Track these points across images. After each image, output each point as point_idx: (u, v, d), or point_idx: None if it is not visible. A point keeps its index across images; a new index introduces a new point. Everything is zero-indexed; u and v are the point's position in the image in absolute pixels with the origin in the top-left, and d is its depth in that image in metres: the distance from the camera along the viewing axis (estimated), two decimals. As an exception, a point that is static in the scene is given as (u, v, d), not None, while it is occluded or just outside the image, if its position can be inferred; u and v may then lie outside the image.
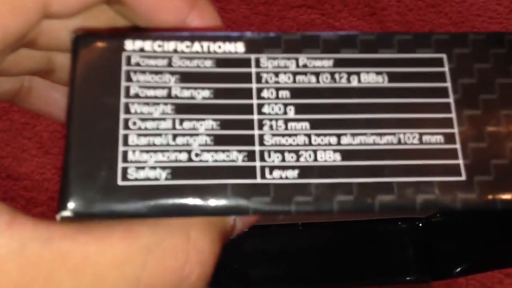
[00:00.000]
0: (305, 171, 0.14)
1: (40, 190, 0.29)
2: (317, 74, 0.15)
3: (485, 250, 0.30)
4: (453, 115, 0.15)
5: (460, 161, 0.15)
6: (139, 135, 0.14)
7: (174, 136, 0.14)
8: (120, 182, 0.14)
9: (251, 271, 0.32)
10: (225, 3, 0.44)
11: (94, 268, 0.12)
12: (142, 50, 0.15)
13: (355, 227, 0.32)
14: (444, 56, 0.16)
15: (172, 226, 0.14)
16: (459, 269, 0.31)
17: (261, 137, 0.15)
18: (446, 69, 0.16)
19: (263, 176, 0.14)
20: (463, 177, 0.15)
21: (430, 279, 0.32)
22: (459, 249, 0.31)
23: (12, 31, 0.13)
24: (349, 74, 0.15)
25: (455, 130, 0.15)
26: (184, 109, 0.15)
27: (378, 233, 0.33)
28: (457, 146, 0.15)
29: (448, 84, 0.15)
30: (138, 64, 0.15)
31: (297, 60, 0.15)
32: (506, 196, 0.15)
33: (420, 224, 0.32)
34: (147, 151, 0.14)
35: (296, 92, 0.15)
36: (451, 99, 0.15)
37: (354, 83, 0.15)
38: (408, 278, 0.32)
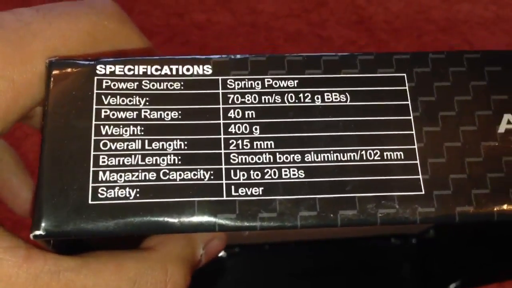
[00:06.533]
0: (269, 188, 0.15)
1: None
2: (282, 94, 0.16)
3: (479, 264, 0.30)
4: (413, 132, 0.16)
5: (420, 176, 0.15)
6: (109, 155, 0.15)
7: (144, 156, 0.15)
8: (91, 202, 0.14)
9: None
10: (211, 14, 0.44)
11: None
12: (113, 74, 0.16)
13: (348, 245, 0.32)
14: (404, 75, 0.16)
15: (153, 261, 0.16)
16: (454, 285, 0.30)
17: (227, 155, 0.15)
18: (406, 87, 0.16)
19: (229, 193, 0.15)
20: (422, 192, 0.15)
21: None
22: (453, 265, 0.31)
23: None
24: (313, 93, 0.16)
25: (415, 146, 0.16)
26: (153, 130, 0.15)
27: (372, 251, 0.32)
28: (417, 161, 0.16)
29: (408, 102, 0.16)
30: (109, 88, 0.15)
31: (262, 81, 0.16)
32: (464, 209, 0.15)
33: (414, 241, 0.32)
34: (117, 171, 0.15)
35: (261, 112, 0.16)
36: (411, 117, 0.16)
37: (318, 102, 0.16)
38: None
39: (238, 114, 0.16)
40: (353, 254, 0.32)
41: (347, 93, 0.16)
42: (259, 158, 0.15)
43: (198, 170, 0.15)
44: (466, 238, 0.30)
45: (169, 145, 0.15)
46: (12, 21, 0.16)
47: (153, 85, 0.16)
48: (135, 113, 0.15)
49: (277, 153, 0.15)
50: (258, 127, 0.16)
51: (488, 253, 0.29)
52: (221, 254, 0.31)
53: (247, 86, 0.16)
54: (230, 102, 0.16)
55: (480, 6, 0.49)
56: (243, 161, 0.15)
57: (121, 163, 0.15)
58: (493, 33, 0.47)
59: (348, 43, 0.45)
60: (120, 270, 0.15)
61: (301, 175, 0.15)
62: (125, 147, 0.15)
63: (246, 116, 0.16)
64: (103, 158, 0.15)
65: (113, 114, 0.15)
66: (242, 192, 0.15)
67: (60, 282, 0.14)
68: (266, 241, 0.32)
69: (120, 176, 0.15)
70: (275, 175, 0.15)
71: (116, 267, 0.15)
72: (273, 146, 0.15)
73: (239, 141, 0.15)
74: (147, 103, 0.15)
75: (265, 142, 0.15)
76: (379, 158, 0.15)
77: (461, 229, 0.29)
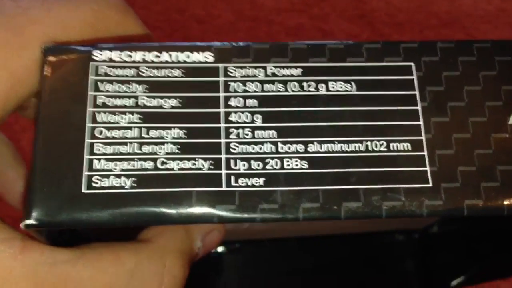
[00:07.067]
0: (271, 179, 0.14)
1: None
2: (285, 83, 0.15)
3: (483, 260, 0.30)
4: (420, 122, 0.15)
5: (427, 168, 0.15)
6: (105, 143, 0.14)
7: (141, 145, 0.14)
8: (84, 191, 0.14)
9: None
10: (211, 9, 0.44)
11: None
12: (110, 60, 0.15)
13: (350, 241, 0.32)
14: (412, 64, 0.16)
15: (150, 252, 0.16)
16: (457, 281, 0.30)
17: (227, 145, 0.15)
18: (414, 77, 0.16)
19: (228, 184, 0.14)
20: (430, 184, 0.15)
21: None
22: (457, 260, 0.31)
23: None
24: (317, 82, 0.15)
25: (423, 137, 0.15)
26: (152, 118, 0.15)
27: (374, 246, 0.32)
28: (424, 153, 0.15)
29: (416, 92, 0.16)
30: (106, 74, 0.15)
31: (265, 69, 0.15)
32: (472, 202, 0.15)
33: (417, 236, 0.32)
34: (113, 160, 0.14)
35: (264, 101, 0.15)
36: (419, 107, 0.15)
37: (322, 91, 0.15)
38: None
39: (239, 102, 0.15)
40: (356, 250, 0.32)
41: (352, 82, 0.15)
42: (260, 148, 0.15)
43: (197, 159, 0.14)
44: (470, 233, 0.30)
45: (168, 133, 0.15)
46: (11, 7, 0.15)
47: (152, 72, 0.15)
48: (132, 100, 0.15)
49: (279, 143, 0.15)
50: (260, 116, 0.15)
51: (492, 249, 0.28)
52: (222, 249, 0.31)
53: (249, 74, 0.15)
54: (231, 90, 0.15)
55: (483, 0, 0.48)
56: (244, 151, 0.15)
57: (117, 151, 0.14)
58: (496, 27, 0.47)
59: (350, 37, 0.45)
60: (117, 261, 0.15)
61: (304, 166, 0.15)
62: (122, 135, 0.14)
63: (248, 105, 0.15)
64: (98, 146, 0.14)
65: (110, 101, 0.15)
66: (243, 183, 0.14)
67: (57, 273, 0.14)
68: (267, 237, 0.31)
69: (116, 165, 0.14)
70: (277, 165, 0.15)
71: (113, 258, 0.15)
72: (275, 136, 0.15)
73: (240, 130, 0.15)
74: (146, 91, 0.15)
75: (267, 132, 0.15)
76: (385, 149, 0.15)
77: (465, 224, 0.28)
